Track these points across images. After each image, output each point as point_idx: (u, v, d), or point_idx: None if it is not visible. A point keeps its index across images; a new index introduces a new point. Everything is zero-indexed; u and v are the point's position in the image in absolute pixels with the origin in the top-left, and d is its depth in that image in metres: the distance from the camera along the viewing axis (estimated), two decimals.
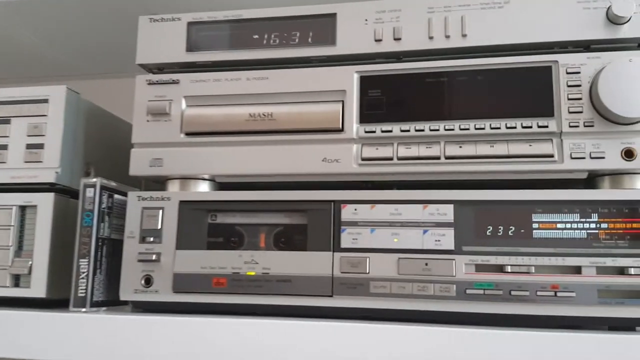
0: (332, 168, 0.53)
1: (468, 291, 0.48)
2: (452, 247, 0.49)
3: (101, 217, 0.56)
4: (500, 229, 0.49)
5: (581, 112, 0.49)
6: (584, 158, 0.48)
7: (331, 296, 0.50)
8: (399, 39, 0.53)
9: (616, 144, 0.48)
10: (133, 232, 0.55)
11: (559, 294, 0.46)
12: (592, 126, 0.49)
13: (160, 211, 0.54)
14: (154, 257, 0.53)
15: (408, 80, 0.53)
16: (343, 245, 0.51)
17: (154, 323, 0.48)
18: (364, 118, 0.53)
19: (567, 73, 0.50)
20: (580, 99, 0.49)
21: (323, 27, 0.55)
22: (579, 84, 0.49)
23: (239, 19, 0.57)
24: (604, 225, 0.48)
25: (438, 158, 0.51)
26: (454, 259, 0.49)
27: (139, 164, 0.57)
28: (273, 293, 0.51)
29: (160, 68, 0.59)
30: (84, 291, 0.54)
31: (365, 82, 0.54)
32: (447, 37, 0.53)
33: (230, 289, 0.51)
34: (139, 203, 0.55)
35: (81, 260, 0.54)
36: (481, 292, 0.47)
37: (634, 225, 0.48)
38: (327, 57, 0.55)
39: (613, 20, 0.50)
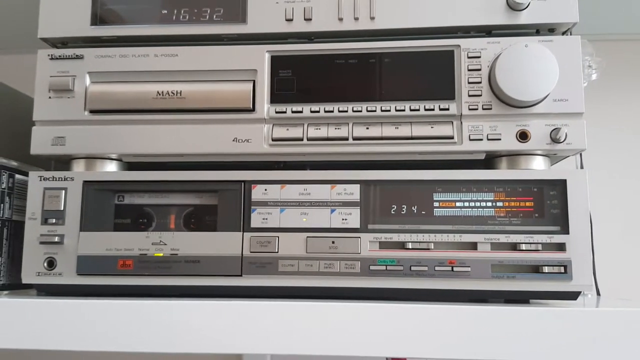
0: (243, 148, 0.53)
1: (372, 267, 0.49)
2: (357, 225, 0.50)
3: (1, 198, 0.54)
4: (403, 207, 0.51)
5: (480, 95, 0.51)
6: (481, 140, 0.51)
7: (240, 275, 0.50)
8: (310, 19, 0.53)
9: (511, 126, 0.51)
10: (35, 214, 0.52)
11: (455, 268, 0.49)
12: (490, 109, 0.51)
13: (63, 192, 0.52)
14: (56, 239, 0.51)
15: (318, 61, 0.53)
16: (253, 225, 0.51)
17: (56, 306, 0.47)
18: (274, 98, 0.53)
19: (468, 57, 0.51)
20: (480, 82, 0.51)
21: (234, 4, 0.54)
22: (479, 68, 0.51)
23: None
24: (499, 204, 0.50)
25: (346, 139, 0.52)
26: (359, 237, 0.50)
27: (41, 142, 0.54)
28: (181, 274, 0.51)
29: (64, 42, 0.57)
30: None
31: (276, 62, 0.54)
32: (356, 19, 0.53)
33: (137, 271, 0.51)
34: (40, 183, 0.53)
35: None
36: (383, 268, 0.49)
37: (527, 203, 0.50)
38: (238, 35, 0.54)
39: (512, 6, 0.52)
